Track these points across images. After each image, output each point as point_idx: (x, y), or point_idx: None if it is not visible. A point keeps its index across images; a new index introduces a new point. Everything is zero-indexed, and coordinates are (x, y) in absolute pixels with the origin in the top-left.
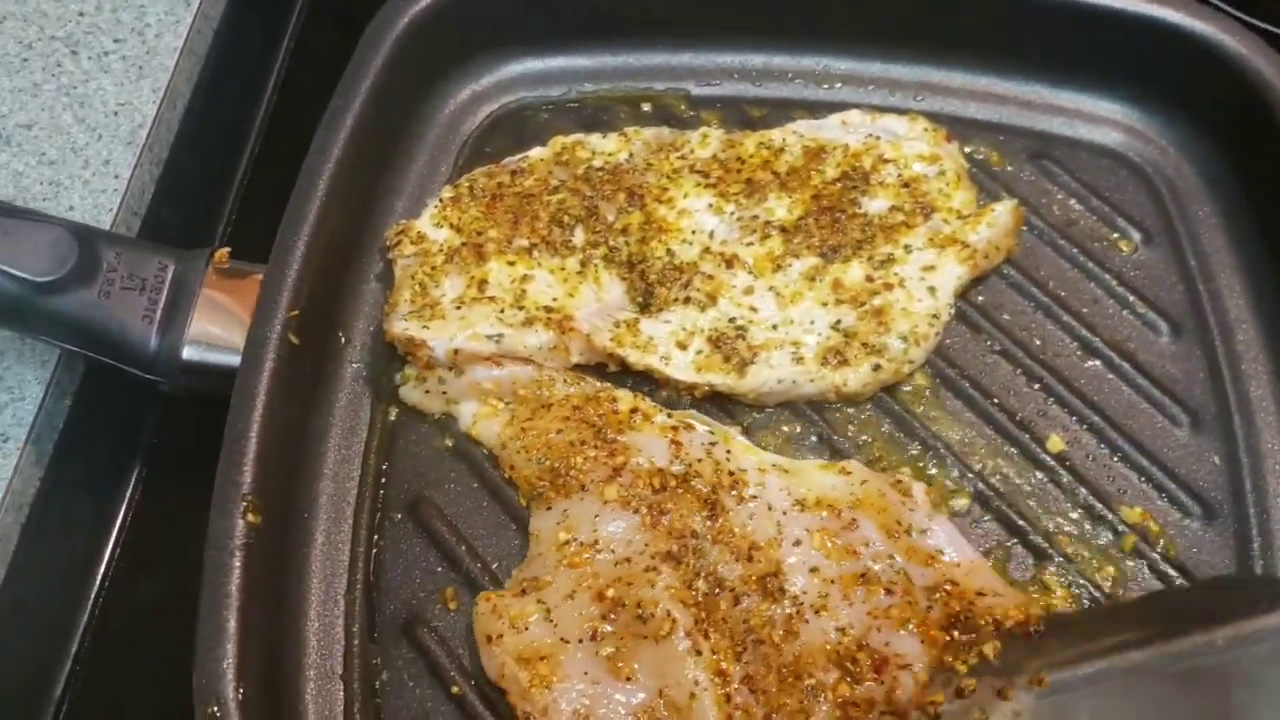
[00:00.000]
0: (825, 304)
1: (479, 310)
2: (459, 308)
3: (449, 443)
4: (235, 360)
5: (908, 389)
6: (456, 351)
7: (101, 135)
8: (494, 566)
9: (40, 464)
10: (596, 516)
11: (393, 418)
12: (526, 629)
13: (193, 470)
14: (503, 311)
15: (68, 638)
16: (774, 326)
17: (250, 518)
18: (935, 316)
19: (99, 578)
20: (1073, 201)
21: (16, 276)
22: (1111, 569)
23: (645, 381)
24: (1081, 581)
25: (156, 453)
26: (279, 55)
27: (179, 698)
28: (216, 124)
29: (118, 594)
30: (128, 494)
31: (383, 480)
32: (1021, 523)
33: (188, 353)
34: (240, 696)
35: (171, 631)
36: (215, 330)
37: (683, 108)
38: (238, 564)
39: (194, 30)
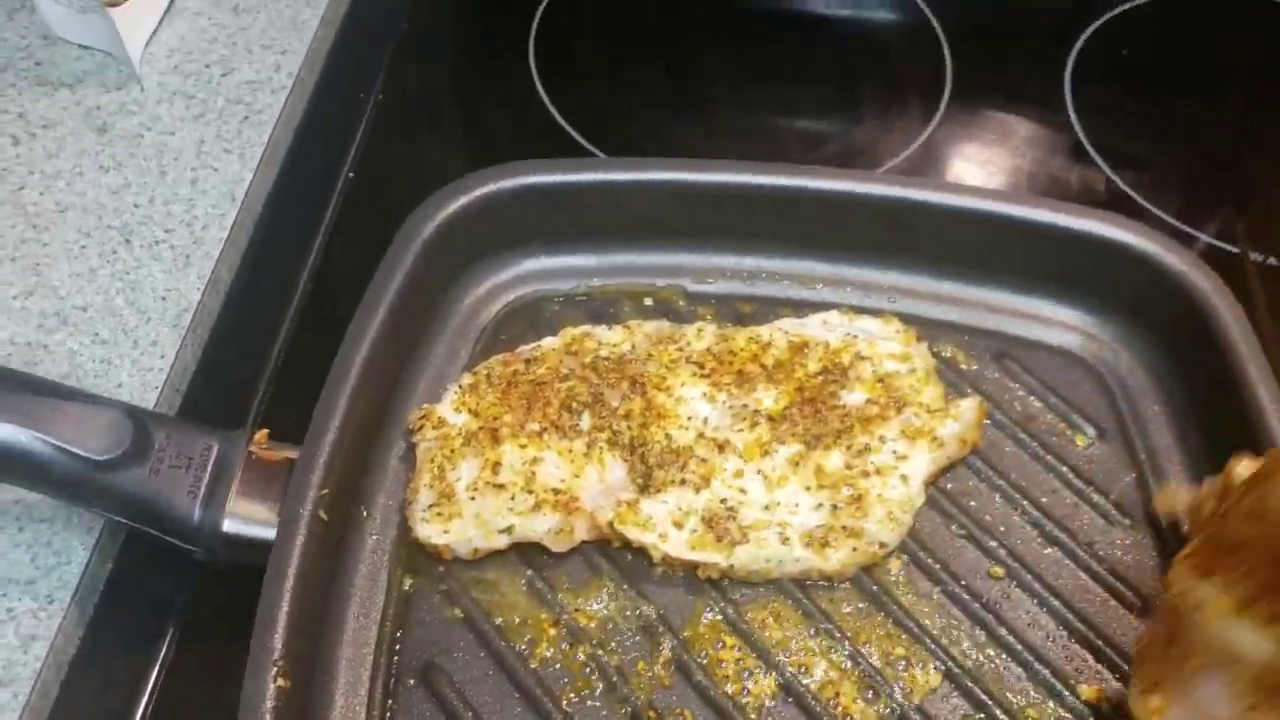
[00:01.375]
0: (809, 488)
1: (491, 500)
2: (473, 497)
3: (458, 613)
4: (268, 534)
5: (883, 569)
6: (476, 549)
7: (150, 318)
8: None
9: (81, 624)
10: None
11: (407, 587)
12: None
13: (222, 635)
14: (513, 498)
15: None
16: (765, 508)
17: (280, 682)
18: (908, 502)
19: None
20: (1032, 398)
21: (77, 455)
22: None
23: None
24: None
25: (189, 617)
26: (313, 248)
27: None
28: (254, 311)
29: None
30: (161, 655)
31: (396, 647)
32: (986, 699)
33: (227, 525)
34: None
35: None
36: (252, 505)
37: (680, 302)
38: None
39: (237, 223)
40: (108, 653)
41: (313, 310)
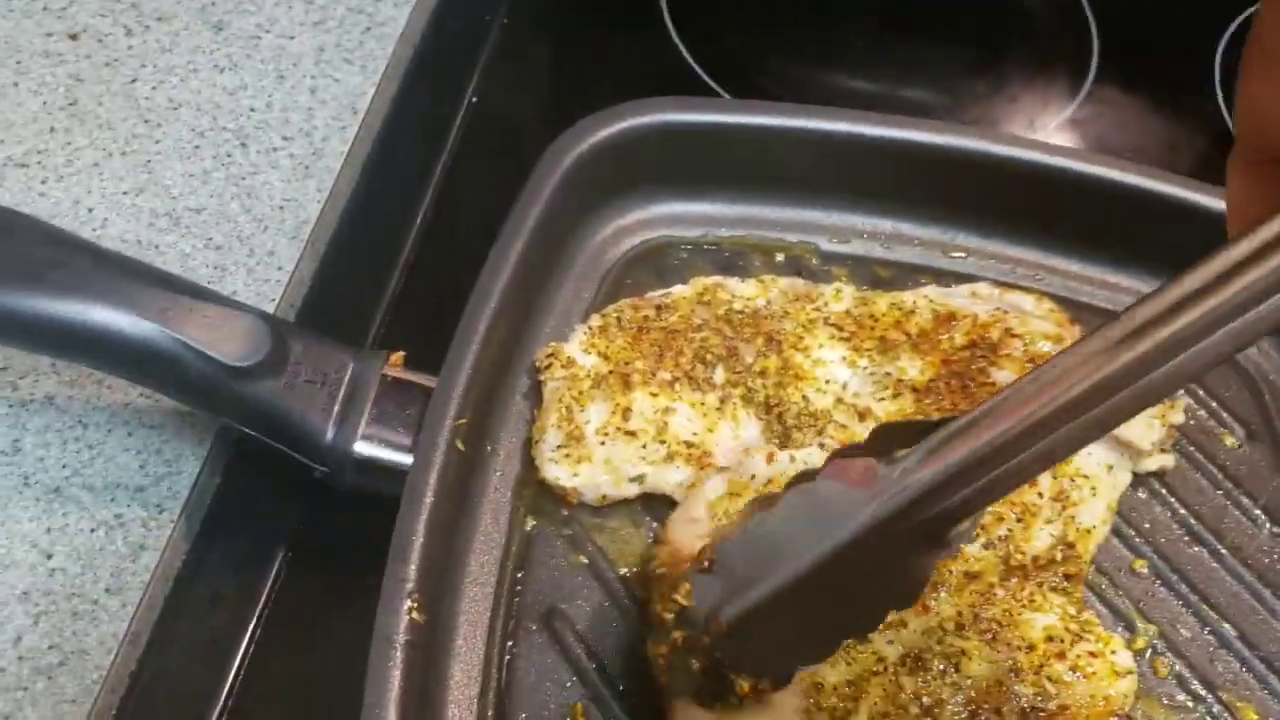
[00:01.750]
0: None
1: (622, 446)
2: (603, 441)
3: (583, 559)
4: (403, 459)
5: None
6: (604, 496)
7: (267, 227)
8: (621, 688)
9: (189, 537)
10: None
11: (529, 528)
12: None
13: (334, 562)
14: (645, 446)
15: (204, 714)
16: None
17: (415, 615)
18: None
19: (239, 656)
20: (1181, 394)
21: (214, 360)
22: None
23: None
24: None
25: (300, 540)
26: (434, 172)
27: None
28: (373, 230)
29: (255, 673)
30: (270, 577)
31: (518, 589)
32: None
33: (360, 448)
34: None
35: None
36: (386, 430)
37: (814, 261)
38: (401, 659)
39: (358, 138)
40: (215, 569)
41: (433, 236)
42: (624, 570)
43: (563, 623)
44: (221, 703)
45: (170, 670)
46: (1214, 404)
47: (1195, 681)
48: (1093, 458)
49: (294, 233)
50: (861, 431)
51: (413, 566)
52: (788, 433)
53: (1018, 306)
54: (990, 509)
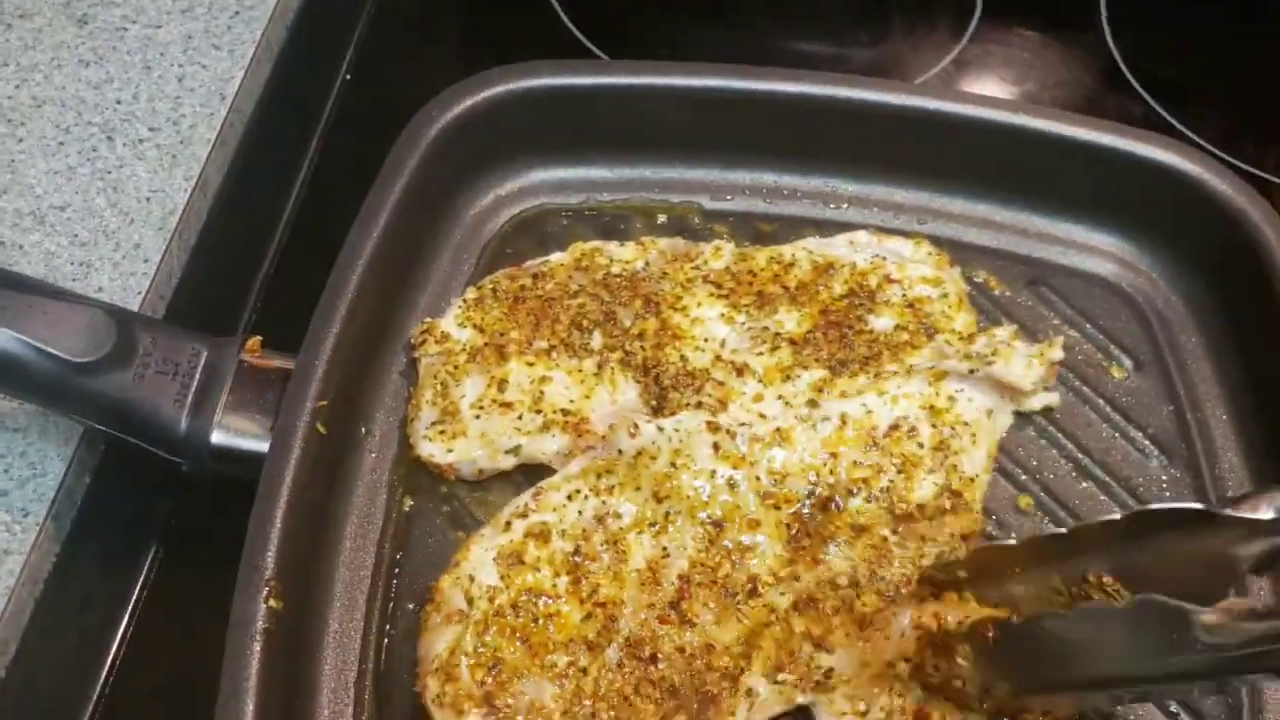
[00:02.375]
0: None
1: (497, 419)
2: (478, 415)
3: (462, 535)
4: (261, 447)
5: None
6: (480, 470)
7: (134, 220)
8: None
9: (58, 539)
10: None
11: (407, 508)
12: None
13: (207, 554)
14: (520, 417)
15: (76, 716)
16: None
17: (272, 603)
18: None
19: (110, 656)
20: (1068, 328)
21: (55, 356)
22: None
23: None
24: None
25: (173, 534)
26: (308, 152)
27: None
28: (245, 215)
29: (128, 674)
30: (142, 574)
31: (396, 570)
32: None
33: (216, 437)
34: None
35: (178, 714)
36: (243, 417)
37: (696, 220)
38: (258, 648)
39: (227, 123)
40: (85, 571)
41: (307, 218)
42: None
43: None
44: (93, 705)
45: (40, 675)
46: (1101, 337)
47: None
48: (973, 403)
49: (160, 224)
50: (738, 387)
51: (270, 554)
52: (665, 394)
53: (896, 252)
54: (869, 461)
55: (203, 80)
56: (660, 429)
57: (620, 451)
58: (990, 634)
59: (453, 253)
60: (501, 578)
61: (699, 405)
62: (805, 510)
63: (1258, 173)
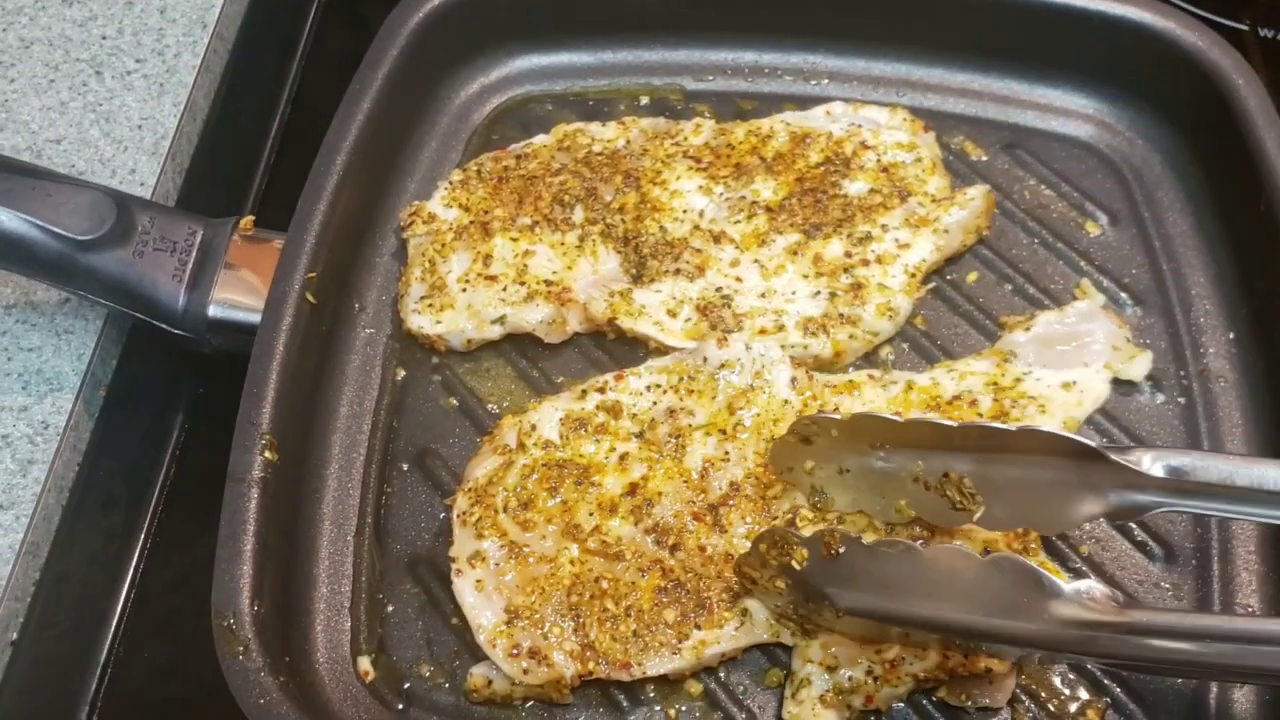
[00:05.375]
0: (806, 276)
1: (483, 291)
2: (465, 289)
3: (454, 401)
4: (256, 319)
5: (885, 356)
6: (469, 340)
7: (127, 147)
8: None
9: (78, 449)
10: None
11: (400, 378)
12: None
13: (221, 455)
14: (505, 289)
15: (108, 610)
16: (761, 295)
17: (268, 454)
18: (908, 291)
19: (135, 554)
20: (1043, 188)
21: (59, 234)
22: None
23: (636, 348)
24: None
25: (187, 446)
26: (291, 71)
27: (217, 662)
28: (234, 135)
29: (154, 568)
30: (159, 479)
31: (391, 434)
32: None
33: (213, 310)
34: (254, 611)
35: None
36: (239, 291)
37: (678, 101)
38: (255, 494)
39: (210, 49)
40: (106, 476)
41: (294, 135)
42: (493, 407)
43: (435, 461)
44: (124, 596)
45: (72, 574)
46: (1076, 195)
47: None
48: (1041, 381)
49: (153, 149)
50: (716, 254)
51: (264, 410)
52: (644, 263)
53: (872, 120)
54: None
55: (184, 10)
56: (748, 347)
57: (706, 360)
58: (836, 547)
59: (440, 140)
60: (561, 437)
61: (677, 273)
62: None
63: (1227, 22)
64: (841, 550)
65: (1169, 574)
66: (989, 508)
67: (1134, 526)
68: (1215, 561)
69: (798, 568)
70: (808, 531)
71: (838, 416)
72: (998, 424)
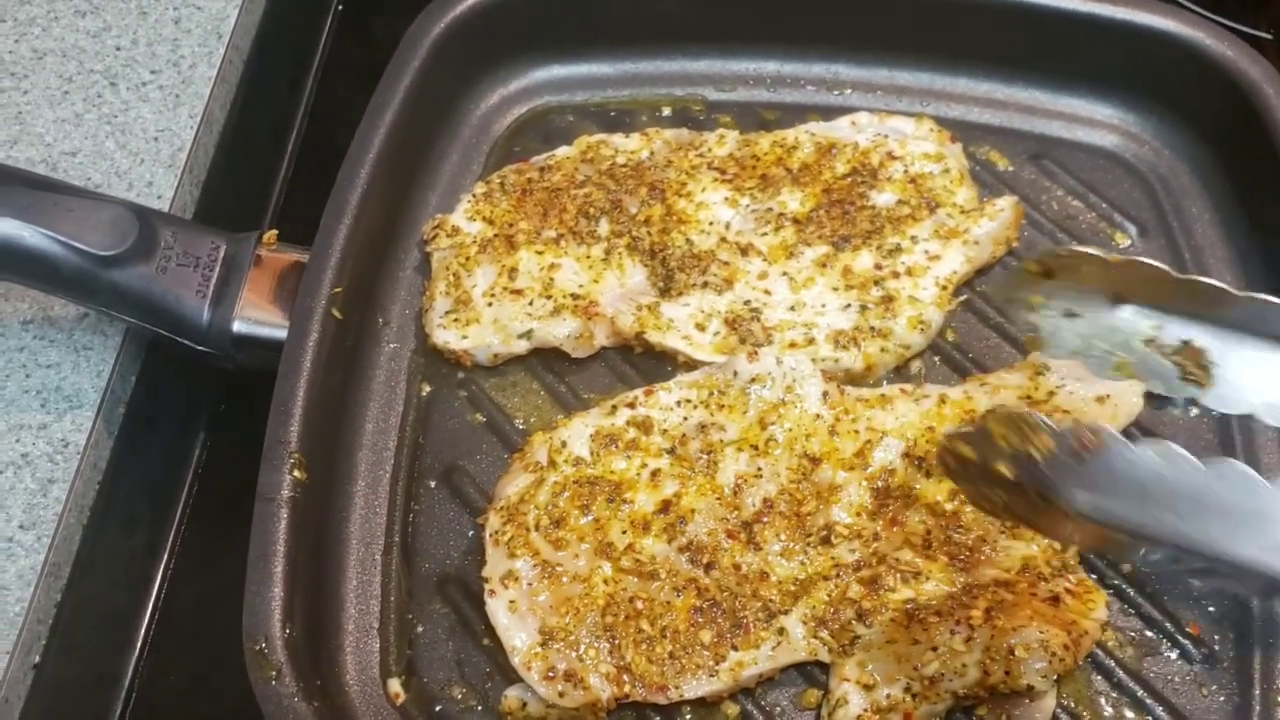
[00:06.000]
0: (836, 289)
1: (509, 306)
2: (490, 303)
3: (481, 417)
4: (281, 334)
5: (916, 369)
6: (495, 355)
7: (144, 160)
8: None
9: (99, 468)
10: None
11: (426, 394)
12: None
13: (247, 475)
14: (531, 304)
15: (132, 632)
16: (790, 309)
17: (297, 474)
18: (939, 303)
19: (159, 573)
20: (1071, 199)
21: (81, 250)
22: None
23: (663, 363)
24: None
25: (212, 457)
26: (307, 83)
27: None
28: (251, 147)
29: (178, 588)
30: (182, 496)
31: (418, 451)
32: None
33: (238, 326)
34: (286, 635)
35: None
36: (263, 306)
37: (700, 112)
38: (285, 514)
39: (226, 60)
40: (129, 495)
41: (311, 146)
42: (521, 424)
43: (463, 478)
44: (148, 618)
45: (95, 595)
46: (1104, 206)
47: None
48: (1075, 395)
49: (170, 161)
50: (744, 266)
51: (293, 428)
52: (671, 276)
53: (898, 130)
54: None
55: (199, 21)
56: (779, 361)
57: (736, 374)
58: (1091, 444)
59: (461, 152)
60: (591, 454)
61: (705, 286)
62: (897, 465)
63: (1247, 30)
64: (1095, 449)
65: (1208, 588)
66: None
67: None
68: None
69: (1037, 457)
70: (849, 517)
71: (1102, 254)
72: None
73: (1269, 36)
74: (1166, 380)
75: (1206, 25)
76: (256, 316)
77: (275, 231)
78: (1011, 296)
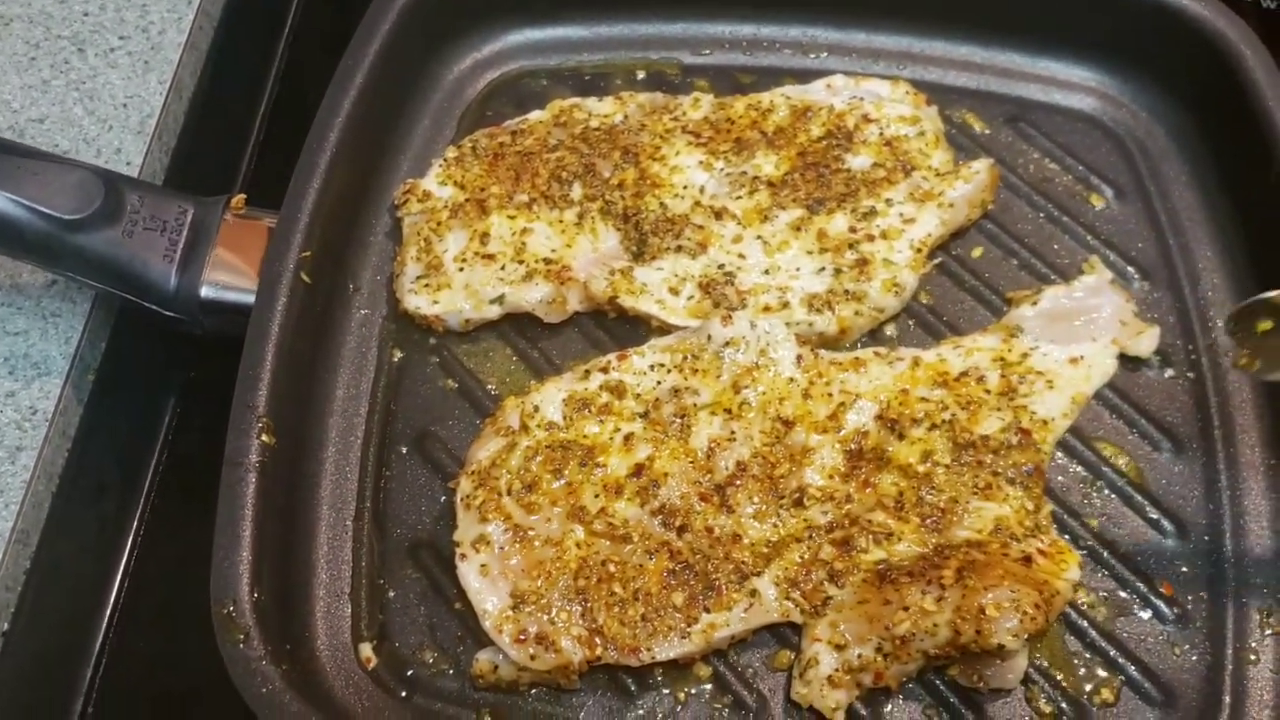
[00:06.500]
0: (810, 252)
1: (480, 271)
2: (462, 268)
3: (452, 383)
4: (250, 299)
5: (890, 333)
6: (467, 320)
7: (112, 126)
8: None
9: (67, 435)
10: None
11: (397, 359)
12: None
13: (216, 440)
14: (503, 268)
15: (102, 598)
16: (764, 272)
17: (265, 438)
18: (914, 266)
19: (129, 540)
20: (1048, 161)
21: (46, 214)
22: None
23: (637, 327)
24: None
25: (182, 421)
26: (279, 48)
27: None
28: (222, 113)
29: (148, 555)
30: (154, 459)
31: (389, 417)
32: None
33: (206, 291)
34: (254, 599)
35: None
36: (231, 271)
37: (675, 76)
38: (253, 479)
39: (196, 26)
40: (98, 463)
41: (282, 112)
42: (493, 388)
43: (434, 443)
44: (118, 584)
45: (64, 562)
46: (1081, 168)
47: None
48: (1048, 356)
49: (139, 128)
50: (718, 230)
51: (261, 393)
52: (644, 239)
53: (874, 93)
54: (933, 397)
55: None
56: (753, 325)
57: (710, 338)
58: None
59: (433, 116)
60: (564, 418)
61: (679, 250)
62: (870, 428)
63: None
64: None
65: (1181, 549)
66: None
67: (1145, 502)
68: (1228, 538)
69: None
70: (821, 480)
71: None
72: None
73: None
74: None
75: None
76: (224, 281)
77: (243, 196)
78: (1245, 309)
